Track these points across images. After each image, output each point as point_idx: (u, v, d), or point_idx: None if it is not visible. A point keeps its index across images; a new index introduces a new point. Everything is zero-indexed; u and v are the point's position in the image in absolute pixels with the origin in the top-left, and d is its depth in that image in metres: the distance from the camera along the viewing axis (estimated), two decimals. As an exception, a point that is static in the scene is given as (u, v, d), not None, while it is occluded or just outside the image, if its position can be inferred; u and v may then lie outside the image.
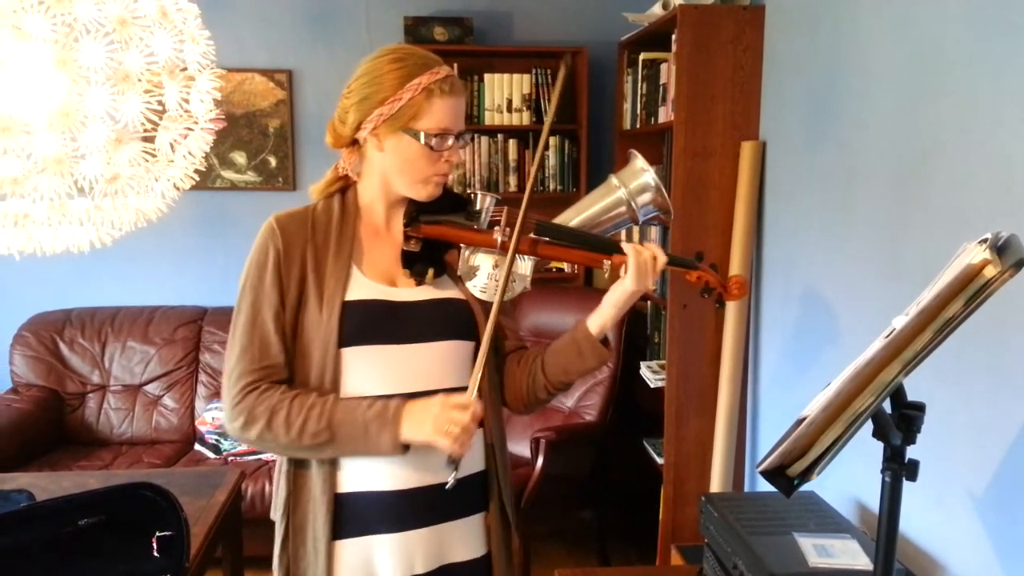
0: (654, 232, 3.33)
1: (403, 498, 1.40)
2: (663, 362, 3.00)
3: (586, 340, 1.45)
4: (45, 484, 2.38)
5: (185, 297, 3.99)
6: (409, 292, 1.44)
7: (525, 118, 3.83)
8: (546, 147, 3.89)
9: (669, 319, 2.82)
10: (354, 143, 1.44)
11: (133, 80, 1.73)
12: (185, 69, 1.89)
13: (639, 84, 3.40)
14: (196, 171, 2.02)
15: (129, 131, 1.78)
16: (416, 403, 1.34)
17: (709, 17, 2.69)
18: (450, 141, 1.39)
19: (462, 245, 1.45)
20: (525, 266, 1.44)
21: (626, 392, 3.52)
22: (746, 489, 2.85)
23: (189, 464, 3.46)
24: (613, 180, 1.53)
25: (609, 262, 1.42)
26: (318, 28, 3.78)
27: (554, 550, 3.58)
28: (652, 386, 3.08)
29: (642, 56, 3.32)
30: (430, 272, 1.43)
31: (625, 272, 1.40)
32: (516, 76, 3.82)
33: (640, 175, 1.51)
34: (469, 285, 1.45)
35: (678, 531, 2.86)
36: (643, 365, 3.25)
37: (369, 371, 1.39)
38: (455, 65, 3.77)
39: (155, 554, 1.70)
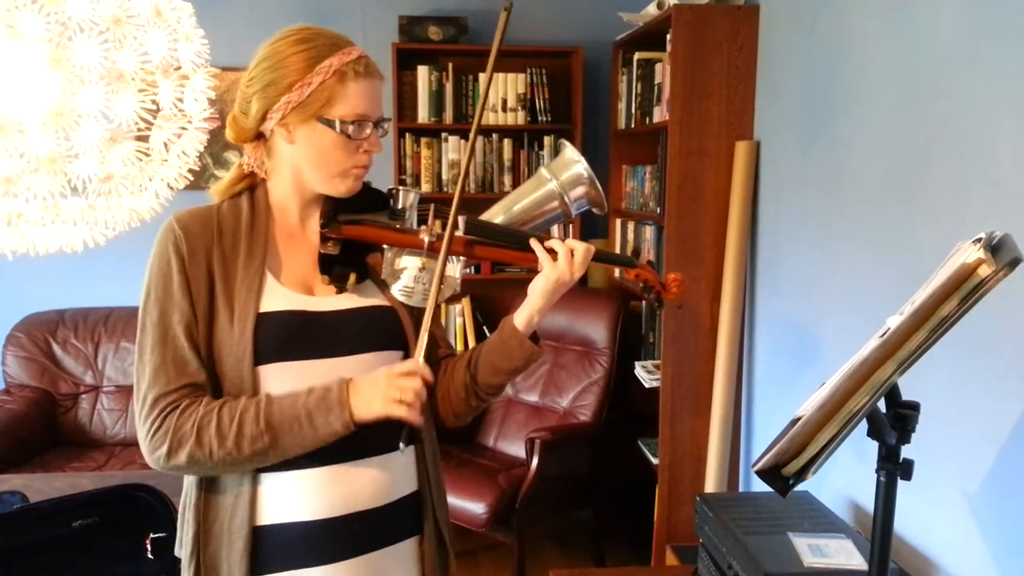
0: (649, 232, 3.34)
1: (329, 527, 1.27)
2: (658, 362, 3.00)
3: (512, 338, 1.33)
4: (39, 485, 2.37)
5: (179, 297, 3.97)
6: (329, 301, 1.31)
7: (520, 118, 3.83)
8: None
9: (664, 319, 2.82)
10: (259, 136, 1.30)
11: (127, 79, 1.73)
12: (179, 68, 1.88)
13: (634, 84, 3.40)
14: (190, 171, 2.01)
15: (123, 130, 1.77)
16: (359, 380, 1.23)
17: (704, 17, 2.69)
18: (368, 129, 1.26)
19: (386, 247, 1.33)
20: (454, 268, 1.32)
21: (621, 392, 3.52)
22: (741, 489, 2.85)
23: (183, 465, 3.44)
24: (544, 172, 1.44)
25: None
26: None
27: (549, 550, 3.58)
28: (647, 386, 3.08)
29: (637, 56, 3.33)
30: (352, 278, 1.31)
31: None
32: (511, 76, 3.81)
33: (571, 166, 1.42)
34: (393, 289, 1.33)
35: (673, 531, 2.86)
36: (638, 365, 3.25)
37: (288, 389, 1.25)
38: (450, 64, 3.78)
39: (149, 555, 1.70)
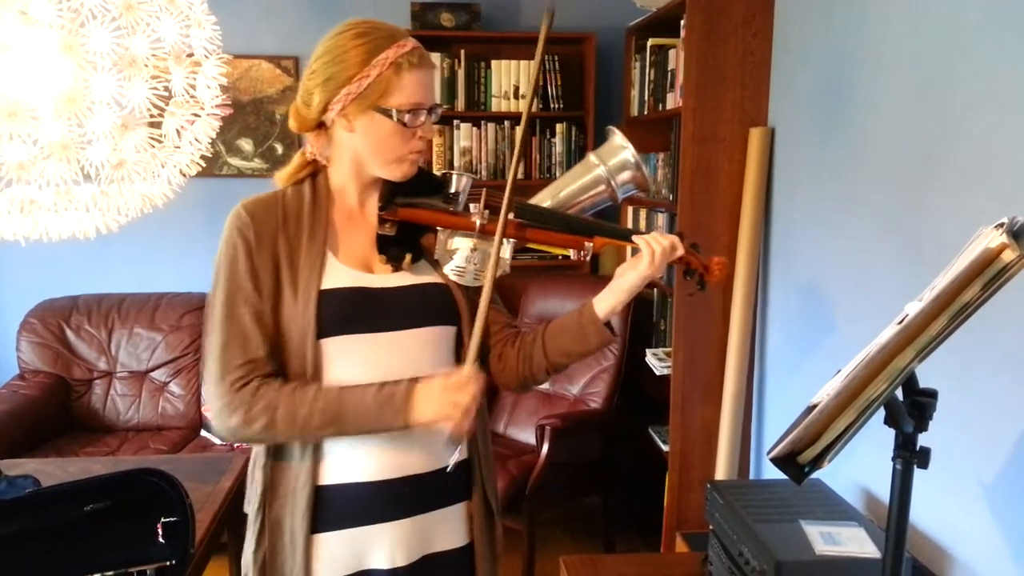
0: (661, 219, 3.32)
1: (386, 489, 1.37)
2: (669, 349, 2.99)
3: (592, 324, 1.41)
4: (51, 470, 2.39)
5: (191, 284, 3.99)
6: (387, 278, 1.39)
7: (532, 104, 3.81)
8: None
9: (675, 306, 2.81)
10: (320, 125, 1.38)
11: (139, 65, 1.73)
12: (191, 55, 1.88)
13: (647, 70, 3.38)
14: (202, 157, 2.01)
15: (135, 117, 1.77)
16: (420, 388, 1.31)
17: (718, 2, 2.66)
18: (423, 116, 1.33)
19: (439, 228, 1.40)
20: (504, 249, 1.38)
21: (632, 379, 3.51)
22: (752, 477, 2.85)
23: (195, 450, 3.46)
24: (591, 158, 1.49)
25: (591, 244, 1.40)
26: (325, 14, 3.75)
27: (559, 537, 3.59)
28: (658, 373, 3.08)
29: (650, 42, 3.30)
30: (407, 257, 1.39)
31: (631, 255, 1.39)
32: (523, 63, 3.79)
33: (619, 152, 1.47)
34: (446, 269, 1.40)
35: (683, 518, 2.86)
36: (649, 352, 3.24)
37: (350, 361, 1.35)
38: (462, 51, 3.76)
39: (160, 540, 1.70)
